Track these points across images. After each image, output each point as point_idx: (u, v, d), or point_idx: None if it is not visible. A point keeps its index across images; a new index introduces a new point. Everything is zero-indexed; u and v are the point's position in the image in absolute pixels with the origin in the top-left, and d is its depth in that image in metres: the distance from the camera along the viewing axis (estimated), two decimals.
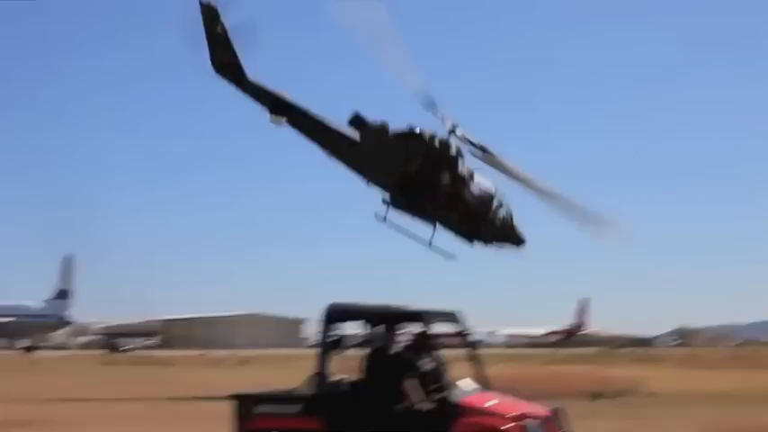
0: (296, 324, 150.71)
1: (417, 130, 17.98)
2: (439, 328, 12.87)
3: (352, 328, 13.20)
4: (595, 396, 31.21)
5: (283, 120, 18.47)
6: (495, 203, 19.74)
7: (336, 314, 12.71)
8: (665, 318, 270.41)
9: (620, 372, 43.56)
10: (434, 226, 19.17)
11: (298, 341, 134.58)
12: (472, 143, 19.59)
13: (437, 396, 11.95)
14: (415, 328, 12.73)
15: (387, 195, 18.79)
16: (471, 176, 19.17)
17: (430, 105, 18.54)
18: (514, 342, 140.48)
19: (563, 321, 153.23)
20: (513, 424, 11.45)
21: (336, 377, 12.84)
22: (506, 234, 22.16)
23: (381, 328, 12.86)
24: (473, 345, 13.43)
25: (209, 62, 17.64)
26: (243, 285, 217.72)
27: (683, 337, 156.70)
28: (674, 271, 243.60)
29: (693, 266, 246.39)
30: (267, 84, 18.77)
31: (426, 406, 11.90)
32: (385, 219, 17.67)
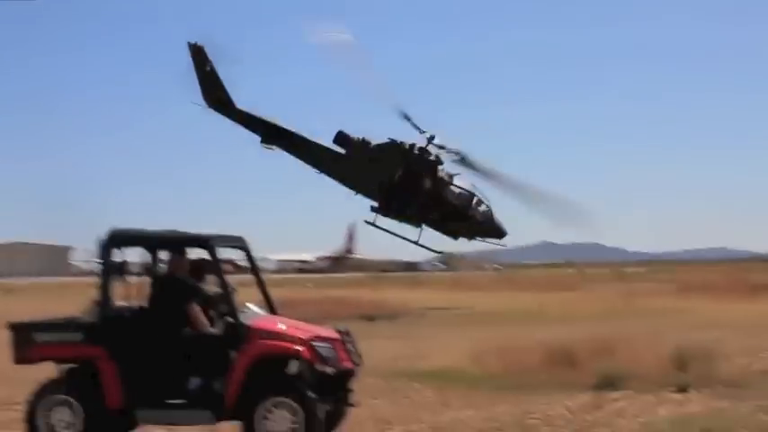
0: (63, 252, 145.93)
1: (398, 142, 18.36)
2: (224, 253, 12.73)
3: (135, 255, 12.90)
4: (370, 318, 31.97)
5: (274, 147, 18.60)
6: (474, 202, 20.73)
7: (118, 240, 12.35)
8: (430, 244, 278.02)
9: (391, 295, 44.70)
10: (420, 227, 20.03)
11: (65, 269, 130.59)
12: (448, 149, 20.42)
13: (225, 320, 11.89)
14: (200, 253, 12.56)
15: (374, 203, 19.44)
16: (451, 179, 19.96)
17: (405, 117, 19.25)
18: (285, 267, 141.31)
19: (332, 247, 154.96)
20: (303, 345, 11.55)
21: (119, 304, 12.52)
22: (487, 229, 23.53)
23: (165, 254, 12.64)
24: (258, 269, 13.40)
25: (203, 99, 17.36)
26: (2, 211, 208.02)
27: (447, 261, 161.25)
28: None
29: None
30: (256, 113, 18.82)
31: (214, 330, 11.82)
32: (374, 223, 18.14)
